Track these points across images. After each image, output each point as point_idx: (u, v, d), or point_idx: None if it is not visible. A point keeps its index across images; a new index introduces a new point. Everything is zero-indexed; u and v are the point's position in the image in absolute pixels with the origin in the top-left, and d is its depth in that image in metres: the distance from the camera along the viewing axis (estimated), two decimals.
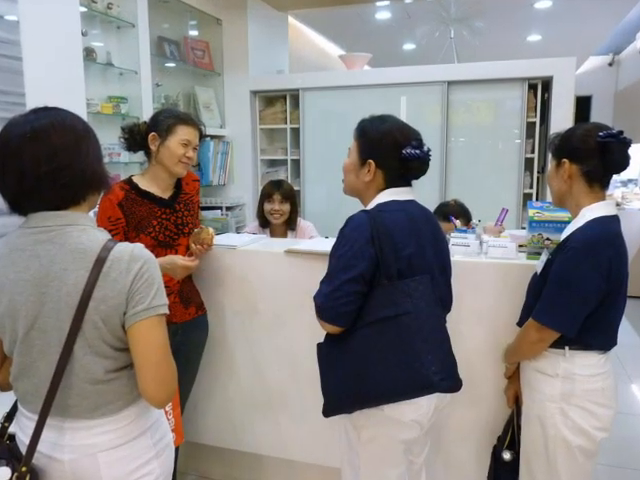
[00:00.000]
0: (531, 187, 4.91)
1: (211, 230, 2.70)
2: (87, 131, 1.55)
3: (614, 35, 8.16)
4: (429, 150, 2.04)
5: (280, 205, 3.66)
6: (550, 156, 2.18)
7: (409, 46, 8.55)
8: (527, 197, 4.88)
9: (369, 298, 1.92)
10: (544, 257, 2.14)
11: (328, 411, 2.03)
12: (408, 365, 1.86)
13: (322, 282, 1.98)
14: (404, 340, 1.87)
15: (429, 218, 2.12)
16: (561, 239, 2.10)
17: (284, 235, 3.76)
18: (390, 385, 1.87)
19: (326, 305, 1.92)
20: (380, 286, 1.90)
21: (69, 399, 1.50)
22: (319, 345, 2.08)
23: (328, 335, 2.02)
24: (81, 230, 1.49)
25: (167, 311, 1.53)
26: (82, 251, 1.45)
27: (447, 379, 1.93)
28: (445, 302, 2.14)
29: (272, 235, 3.74)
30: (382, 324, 1.89)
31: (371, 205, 2.05)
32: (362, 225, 1.93)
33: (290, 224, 3.75)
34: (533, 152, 4.83)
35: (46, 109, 1.52)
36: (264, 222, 3.76)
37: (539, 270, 2.14)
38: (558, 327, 1.99)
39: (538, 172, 4.93)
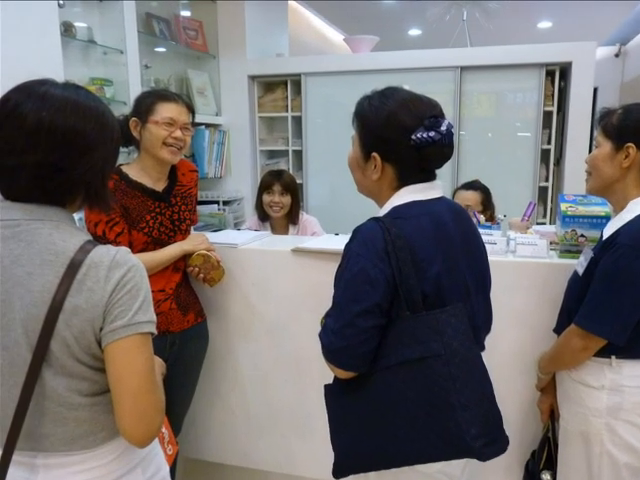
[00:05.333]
0: (547, 180, 4.82)
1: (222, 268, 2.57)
2: (113, 134, 1.37)
3: (621, 25, 8.09)
4: (450, 127, 1.63)
5: (280, 197, 3.53)
6: (600, 135, 1.98)
7: (415, 32, 8.43)
8: (542, 190, 4.82)
9: (387, 333, 1.58)
10: (587, 255, 1.99)
11: (338, 472, 1.73)
12: (440, 425, 1.52)
13: (328, 315, 1.63)
14: (433, 391, 1.52)
15: (460, 217, 1.77)
16: (605, 235, 1.96)
17: (285, 229, 3.64)
18: (418, 448, 1.55)
19: (336, 346, 1.57)
20: (400, 319, 1.56)
21: (42, 427, 1.30)
22: (327, 387, 1.74)
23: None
24: (54, 227, 1.29)
25: (153, 330, 1.32)
26: (53, 252, 1.26)
27: (491, 443, 1.55)
28: (485, 325, 1.86)
29: (273, 229, 3.63)
30: (404, 369, 1.55)
31: (385, 209, 1.69)
32: (373, 238, 1.57)
33: (291, 218, 3.62)
34: (549, 143, 4.73)
35: (78, 88, 1.35)
36: (263, 215, 3.64)
37: (581, 270, 1.99)
38: (606, 334, 1.85)
39: (554, 164, 4.84)
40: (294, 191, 3.59)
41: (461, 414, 1.49)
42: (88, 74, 3.65)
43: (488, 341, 1.87)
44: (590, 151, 2.09)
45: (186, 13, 4.95)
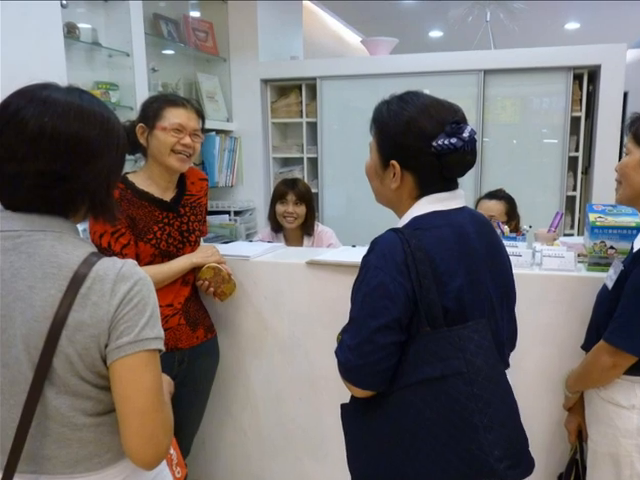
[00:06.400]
0: (574, 189, 4.79)
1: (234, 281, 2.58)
2: (119, 140, 1.37)
3: None
4: (473, 134, 1.60)
5: (294, 207, 3.53)
6: (630, 142, 1.96)
7: (436, 33, 8.45)
8: (570, 200, 4.79)
9: (406, 350, 1.55)
10: (617, 268, 1.97)
11: None
12: (462, 446, 1.48)
13: (345, 331, 1.61)
14: (455, 411, 1.48)
15: (483, 228, 1.73)
16: (635, 247, 1.95)
17: (300, 241, 3.64)
18: (439, 471, 1.51)
19: (354, 363, 1.54)
20: (420, 335, 1.53)
21: (44, 448, 1.29)
22: (344, 407, 1.73)
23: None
24: (56, 238, 1.28)
25: (161, 346, 1.31)
26: (55, 265, 1.24)
27: (516, 466, 1.52)
28: (509, 342, 1.82)
29: (286, 241, 3.62)
30: (424, 387, 1.51)
31: (404, 220, 1.67)
32: (392, 250, 1.54)
33: (306, 229, 3.62)
34: (577, 150, 4.70)
35: (82, 92, 1.34)
36: (276, 226, 3.65)
37: (610, 284, 1.97)
38: (637, 351, 1.84)
39: (582, 173, 4.81)
40: (309, 201, 3.59)
41: (484, 435, 1.47)
42: (92, 78, 3.65)
43: (513, 358, 1.86)
44: (620, 159, 2.07)
45: (195, 14, 4.96)
